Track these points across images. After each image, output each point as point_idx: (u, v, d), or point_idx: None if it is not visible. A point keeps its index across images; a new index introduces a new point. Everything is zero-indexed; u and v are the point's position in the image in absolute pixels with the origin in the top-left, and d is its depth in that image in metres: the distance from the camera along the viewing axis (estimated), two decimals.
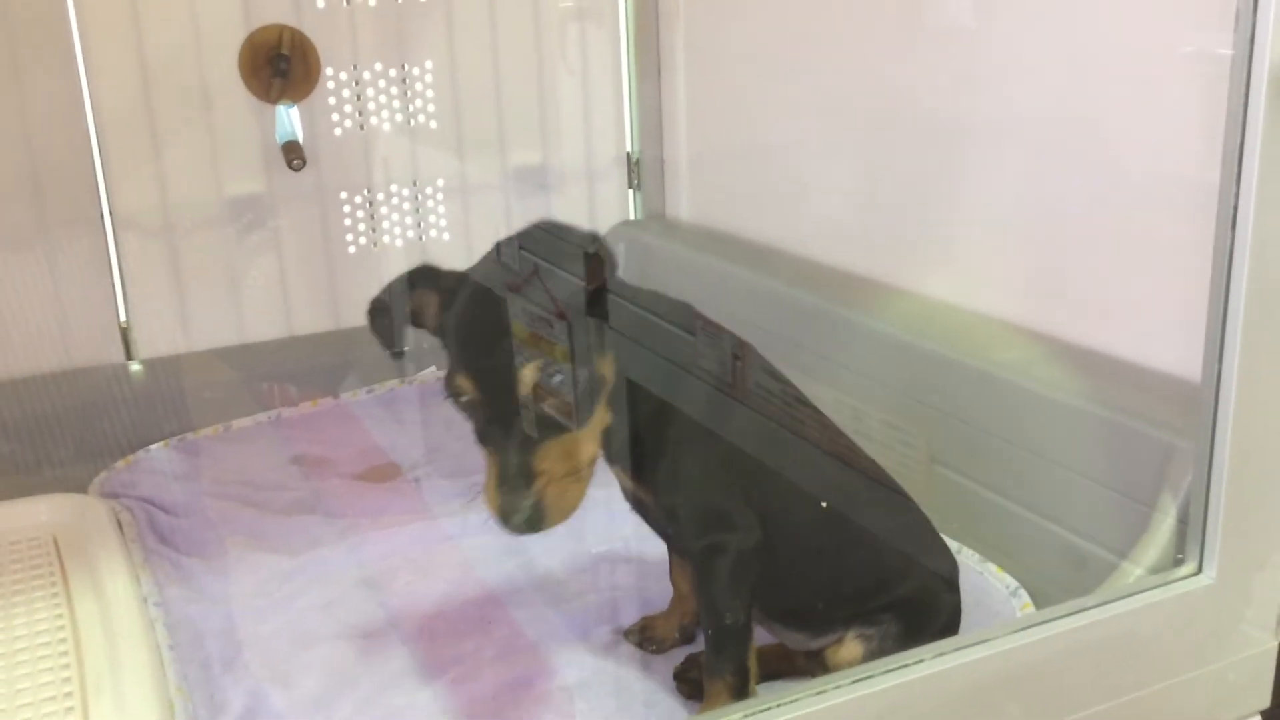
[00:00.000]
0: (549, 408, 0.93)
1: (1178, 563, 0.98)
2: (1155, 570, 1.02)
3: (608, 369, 0.97)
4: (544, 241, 1.01)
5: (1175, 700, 0.99)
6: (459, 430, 1.77)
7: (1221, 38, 0.92)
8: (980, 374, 1.33)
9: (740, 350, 1.07)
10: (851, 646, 1.04)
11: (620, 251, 2.03)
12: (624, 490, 1.10)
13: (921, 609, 1.05)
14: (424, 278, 1.02)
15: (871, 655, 1.02)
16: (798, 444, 1.08)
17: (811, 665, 1.09)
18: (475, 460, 1.65)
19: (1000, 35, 1.32)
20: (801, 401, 1.11)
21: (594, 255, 0.98)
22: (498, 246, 1.02)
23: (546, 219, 1.04)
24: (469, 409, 0.98)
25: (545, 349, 0.94)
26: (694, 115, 1.97)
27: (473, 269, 1.02)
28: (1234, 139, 0.89)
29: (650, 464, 1.03)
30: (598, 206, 2.07)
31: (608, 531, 1.44)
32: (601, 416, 0.97)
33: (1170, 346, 1.14)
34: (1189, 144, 1.09)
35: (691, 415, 1.04)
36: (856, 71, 1.56)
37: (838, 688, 0.85)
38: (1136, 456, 1.13)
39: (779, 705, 0.84)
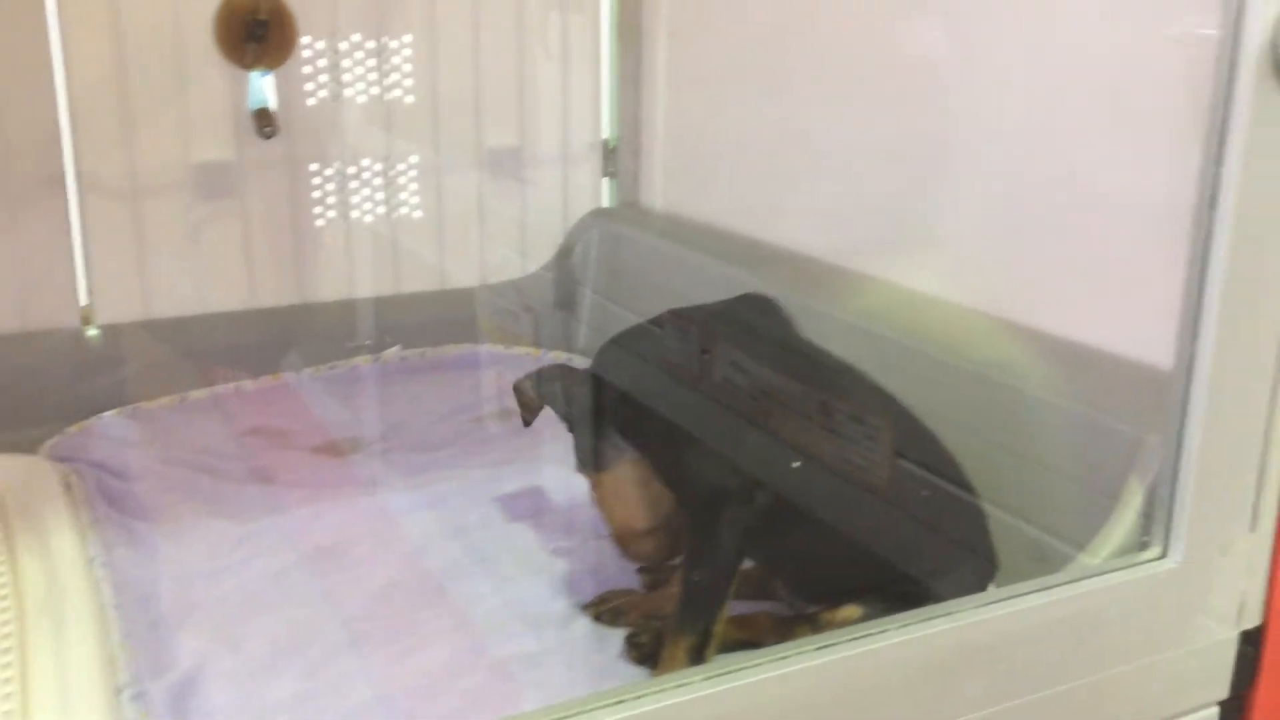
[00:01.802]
0: None
1: (1143, 546, 0.98)
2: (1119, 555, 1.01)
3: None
4: None
5: (1135, 685, 0.98)
6: (420, 409, 1.76)
7: (1199, 20, 0.92)
8: (946, 366, 1.32)
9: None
10: (849, 610, 1.03)
11: (593, 240, 2.03)
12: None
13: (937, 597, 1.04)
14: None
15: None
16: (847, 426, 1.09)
17: (794, 631, 1.08)
18: (435, 439, 1.65)
19: (979, 27, 1.32)
20: (864, 388, 1.13)
21: None
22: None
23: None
24: None
25: None
26: (672, 104, 1.96)
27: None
28: (1218, 119, 0.88)
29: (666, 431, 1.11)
30: (571, 193, 2.05)
31: (566, 526, 1.43)
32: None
33: (1138, 333, 1.13)
34: (1161, 134, 1.09)
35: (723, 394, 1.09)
36: (838, 64, 1.55)
37: (801, 653, 0.83)
38: (1102, 449, 1.12)
39: (739, 669, 0.82)
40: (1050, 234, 1.24)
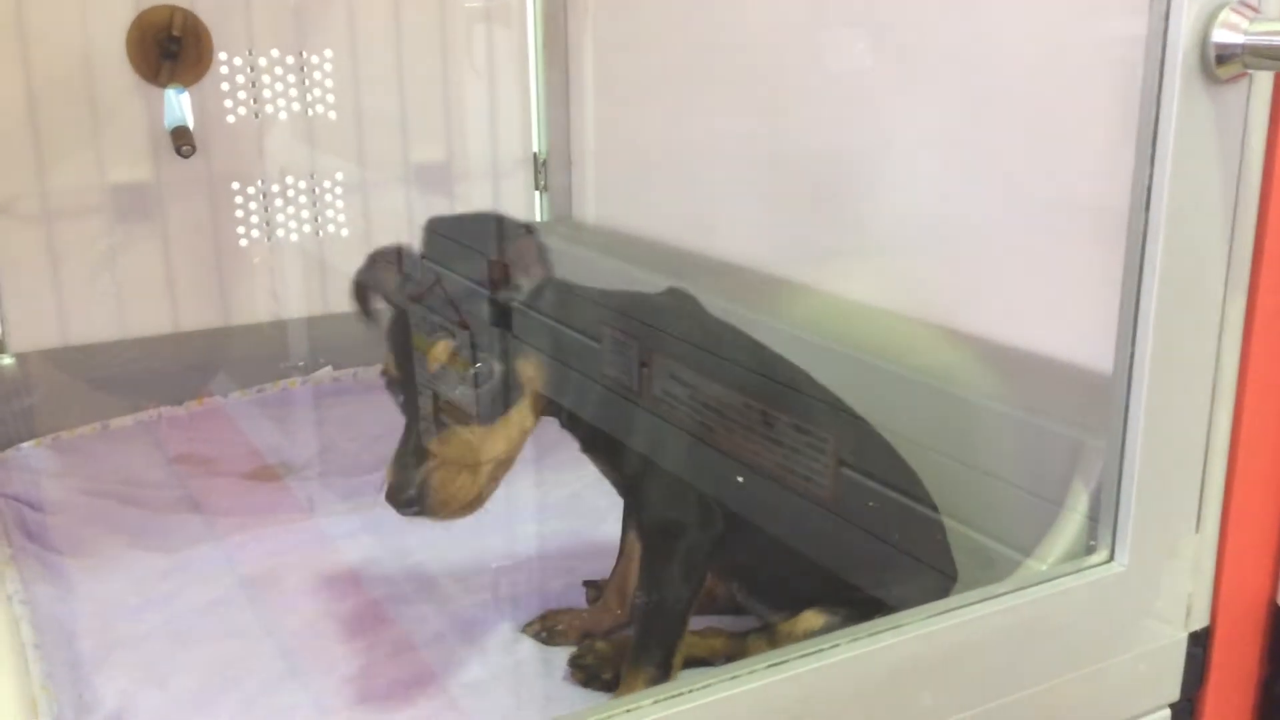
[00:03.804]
0: (456, 395, 0.94)
1: (1090, 550, 0.97)
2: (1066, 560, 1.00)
3: (533, 372, 0.97)
4: (477, 232, 1.01)
5: (1087, 690, 0.98)
6: (353, 430, 1.72)
7: (1131, 22, 0.92)
8: (888, 374, 1.31)
9: (728, 336, 1.11)
10: (810, 619, 1.01)
11: None
12: (612, 483, 1.11)
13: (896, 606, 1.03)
14: (387, 256, 1.03)
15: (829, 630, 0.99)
16: (794, 432, 1.06)
17: (747, 645, 1.06)
18: (369, 460, 1.61)
19: (909, 32, 1.32)
20: (804, 391, 1.10)
21: (521, 249, 0.98)
22: (431, 225, 1.00)
23: (488, 210, 1.06)
24: (393, 390, 0.98)
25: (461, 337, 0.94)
26: (602, 116, 1.95)
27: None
28: (1149, 119, 0.88)
29: (625, 450, 1.05)
30: (503, 207, 2.02)
31: (508, 546, 1.40)
32: (522, 417, 0.97)
33: (1076, 337, 1.13)
34: (1094, 135, 1.09)
35: (668, 402, 1.05)
36: (766, 74, 1.54)
37: (752, 673, 0.82)
38: (1045, 454, 1.12)
39: (692, 691, 0.80)
40: (985, 239, 1.24)
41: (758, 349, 1.11)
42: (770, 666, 0.83)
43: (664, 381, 1.07)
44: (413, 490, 0.92)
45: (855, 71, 1.40)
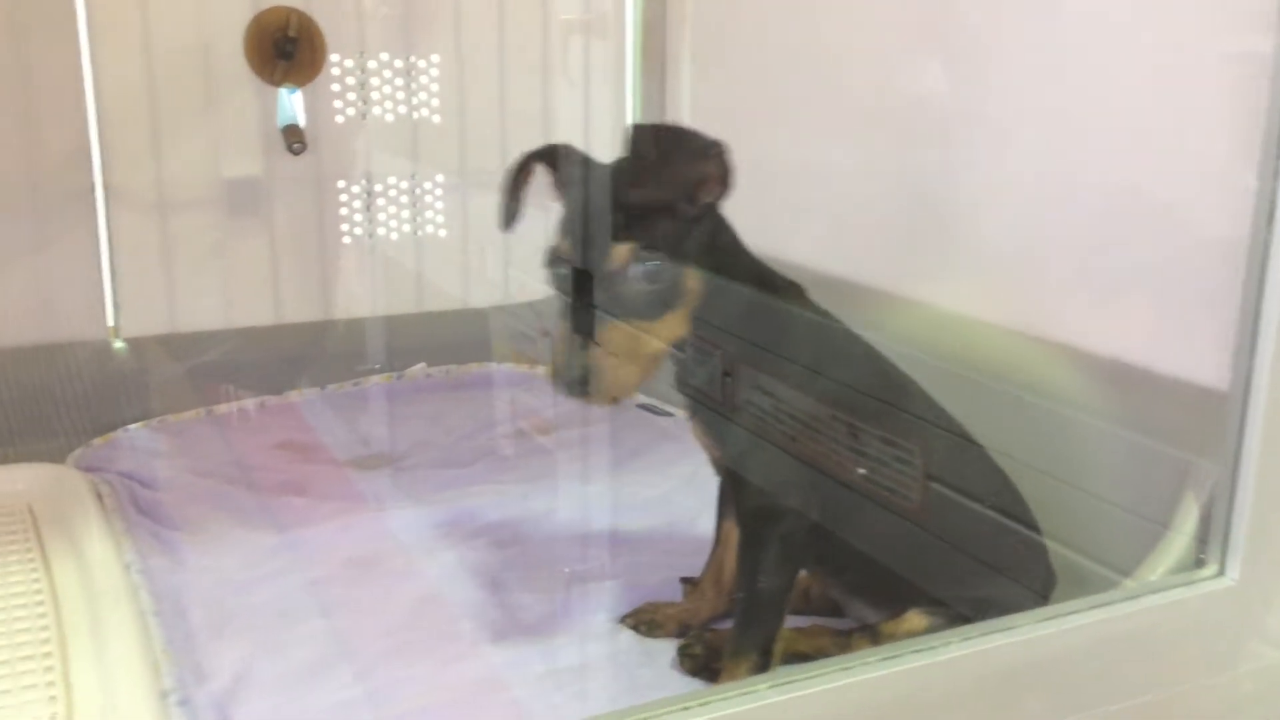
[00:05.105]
0: (630, 290, 0.98)
1: (1199, 564, 0.97)
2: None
3: (694, 284, 1.01)
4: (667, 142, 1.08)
5: (1190, 705, 0.97)
6: (445, 425, 1.76)
7: (1254, 37, 0.92)
8: (982, 388, 1.32)
9: (841, 337, 1.13)
10: (914, 621, 1.03)
11: None
12: (712, 461, 1.13)
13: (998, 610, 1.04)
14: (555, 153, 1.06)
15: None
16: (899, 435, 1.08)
17: (851, 643, 1.08)
18: (461, 454, 1.65)
19: (1015, 37, 1.32)
20: (912, 395, 1.12)
21: (712, 166, 1.03)
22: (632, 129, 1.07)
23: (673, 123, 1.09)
24: (561, 279, 1.01)
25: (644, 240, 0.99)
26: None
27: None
28: (1274, 134, 0.89)
29: (732, 427, 1.07)
30: None
31: (602, 541, 1.42)
32: (676, 323, 1.01)
33: (1188, 353, 1.13)
34: (1218, 146, 1.09)
35: (783, 389, 1.08)
36: (862, 85, 1.56)
37: (865, 664, 0.83)
38: (1149, 473, 1.12)
39: (804, 679, 0.81)
40: (1096, 254, 1.24)
41: (867, 349, 1.12)
42: (881, 660, 0.84)
43: (777, 370, 1.08)
44: (580, 373, 0.97)
45: (963, 87, 1.41)
